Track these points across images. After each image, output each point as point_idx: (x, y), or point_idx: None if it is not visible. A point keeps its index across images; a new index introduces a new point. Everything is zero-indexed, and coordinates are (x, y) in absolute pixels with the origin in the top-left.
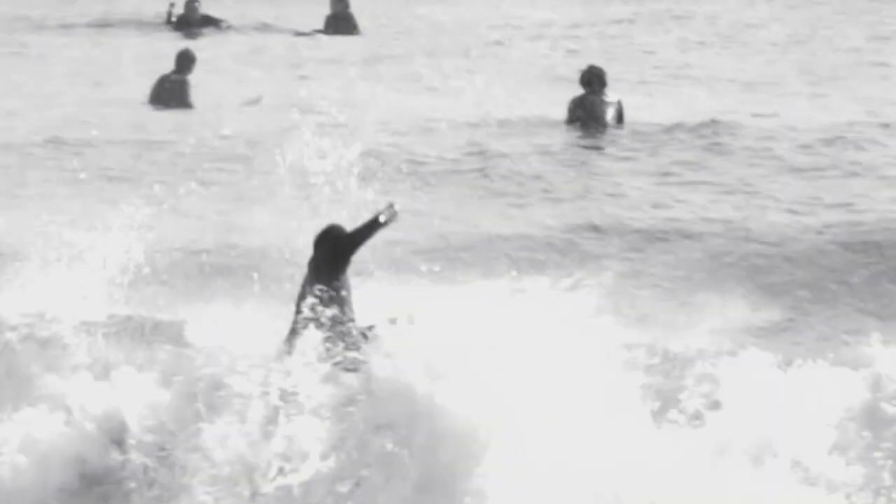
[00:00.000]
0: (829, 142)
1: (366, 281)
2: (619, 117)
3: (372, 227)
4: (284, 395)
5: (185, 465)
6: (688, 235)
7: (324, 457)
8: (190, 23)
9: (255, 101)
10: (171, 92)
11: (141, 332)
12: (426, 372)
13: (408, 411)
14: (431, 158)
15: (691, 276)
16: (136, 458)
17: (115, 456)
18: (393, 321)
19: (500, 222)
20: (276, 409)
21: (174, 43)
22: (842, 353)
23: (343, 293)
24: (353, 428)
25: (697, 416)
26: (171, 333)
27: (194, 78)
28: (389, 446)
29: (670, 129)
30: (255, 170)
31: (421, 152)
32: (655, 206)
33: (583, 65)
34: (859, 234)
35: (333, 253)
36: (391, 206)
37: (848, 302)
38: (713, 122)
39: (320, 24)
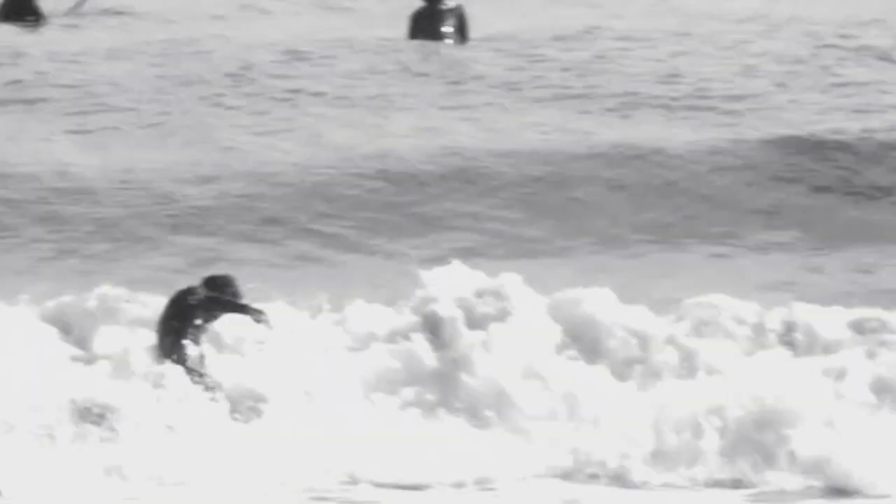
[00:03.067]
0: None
1: None
2: (461, 27)
3: (237, 307)
4: None
5: None
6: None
7: None
8: None
9: (80, 4)
10: (16, 5)
11: None
12: None
13: None
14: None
15: None
16: None
17: None
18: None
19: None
20: None
21: None
22: None
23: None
24: None
25: None
26: None
27: None
28: None
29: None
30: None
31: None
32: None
33: None
34: None
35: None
36: (264, 317)
37: None
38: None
39: None
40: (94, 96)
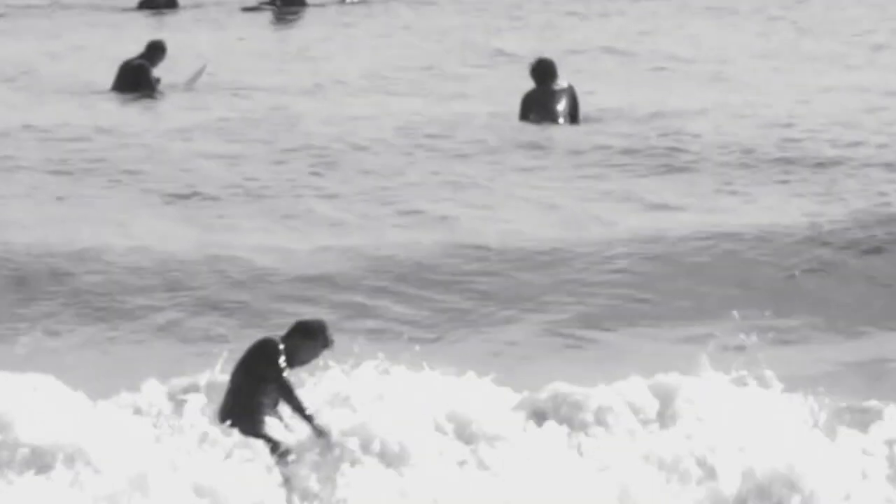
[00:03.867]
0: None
1: None
2: (574, 107)
3: (301, 410)
4: None
5: None
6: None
7: None
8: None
9: (199, 73)
10: (131, 77)
11: None
12: None
13: None
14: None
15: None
16: None
17: None
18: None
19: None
20: None
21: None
22: None
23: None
24: None
25: None
26: None
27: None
28: None
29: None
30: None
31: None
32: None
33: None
34: None
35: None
36: (327, 434)
37: None
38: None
39: None
40: (201, 170)
